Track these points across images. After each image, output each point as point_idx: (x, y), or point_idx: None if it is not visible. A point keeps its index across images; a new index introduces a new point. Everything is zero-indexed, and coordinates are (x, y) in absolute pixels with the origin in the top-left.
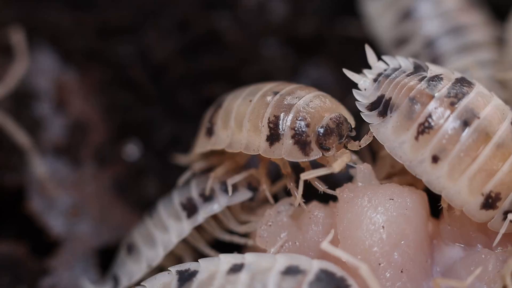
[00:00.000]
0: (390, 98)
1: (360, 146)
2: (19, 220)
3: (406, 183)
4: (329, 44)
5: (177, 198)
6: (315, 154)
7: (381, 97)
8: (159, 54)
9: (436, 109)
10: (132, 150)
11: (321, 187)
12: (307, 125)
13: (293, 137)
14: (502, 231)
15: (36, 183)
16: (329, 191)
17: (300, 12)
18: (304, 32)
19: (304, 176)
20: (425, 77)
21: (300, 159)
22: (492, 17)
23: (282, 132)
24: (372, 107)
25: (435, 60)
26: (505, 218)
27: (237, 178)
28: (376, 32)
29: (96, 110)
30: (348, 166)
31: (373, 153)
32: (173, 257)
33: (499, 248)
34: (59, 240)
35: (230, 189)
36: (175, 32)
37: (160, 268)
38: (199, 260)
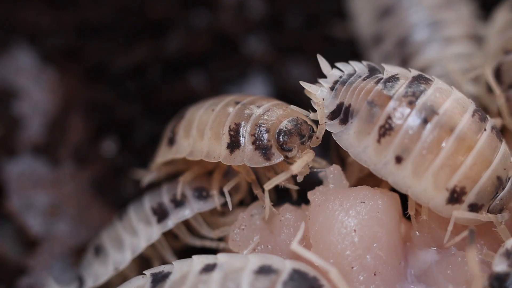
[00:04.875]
0: (350, 105)
1: (317, 138)
2: None
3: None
4: (310, 42)
5: (148, 202)
6: (277, 157)
7: (340, 105)
8: (139, 52)
9: (395, 110)
10: (110, 147)
11: (294, 190)
12: (267, 131)
13: (253, 143)
14: (450, 227)
15: (14, 183)
16: (290, 186)
17: (282, 10)
18: (285, 29)
19: (267, 186)
20: (381, 78)
21: (262, 164)
22: (479, 13)
23: (243, 139)
24: (332, 116)
25: (412, 54)
26: (470, 211)
27: (231, 184)
28: (357, 29)
29: (75, 108)
30: (317, 171)
31: (341, 159)
32: (141, 260)
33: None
34: (37, 240)
35: (227, 195)
36: (155, 31)
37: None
38: (173, 262)
